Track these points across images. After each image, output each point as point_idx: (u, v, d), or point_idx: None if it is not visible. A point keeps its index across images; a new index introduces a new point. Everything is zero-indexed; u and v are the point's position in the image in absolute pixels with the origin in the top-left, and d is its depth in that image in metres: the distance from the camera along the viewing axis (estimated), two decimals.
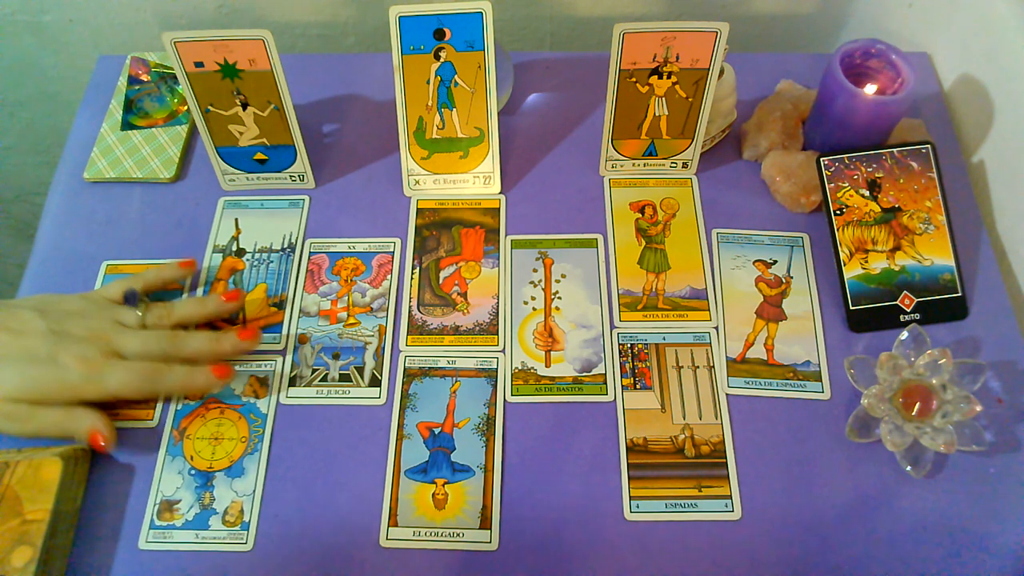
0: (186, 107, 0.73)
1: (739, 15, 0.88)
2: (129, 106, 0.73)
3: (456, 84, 0.63)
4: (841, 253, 0.62)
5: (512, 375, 0.60)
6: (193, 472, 0.56)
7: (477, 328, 0.62)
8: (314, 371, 0.60)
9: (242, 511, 0.55)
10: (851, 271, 0.62)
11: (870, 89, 0.63)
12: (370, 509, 0.55)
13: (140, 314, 0.57)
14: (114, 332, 0.56)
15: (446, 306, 0.63)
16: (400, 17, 0.60)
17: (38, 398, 0.53)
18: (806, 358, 0.61)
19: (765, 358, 0.60)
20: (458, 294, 0.64)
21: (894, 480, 0.56)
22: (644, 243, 0.66)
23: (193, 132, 0.73)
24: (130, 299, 0.59)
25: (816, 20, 0.89)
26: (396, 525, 0.54)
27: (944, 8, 0.74)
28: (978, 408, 0.54)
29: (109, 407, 0.58)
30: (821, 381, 0.59)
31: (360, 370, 0.60)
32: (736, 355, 0.61)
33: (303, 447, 0.57)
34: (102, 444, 0.54)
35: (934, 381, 0.55)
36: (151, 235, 0.67)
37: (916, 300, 0.61)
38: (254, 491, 0.56)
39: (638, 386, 0.59)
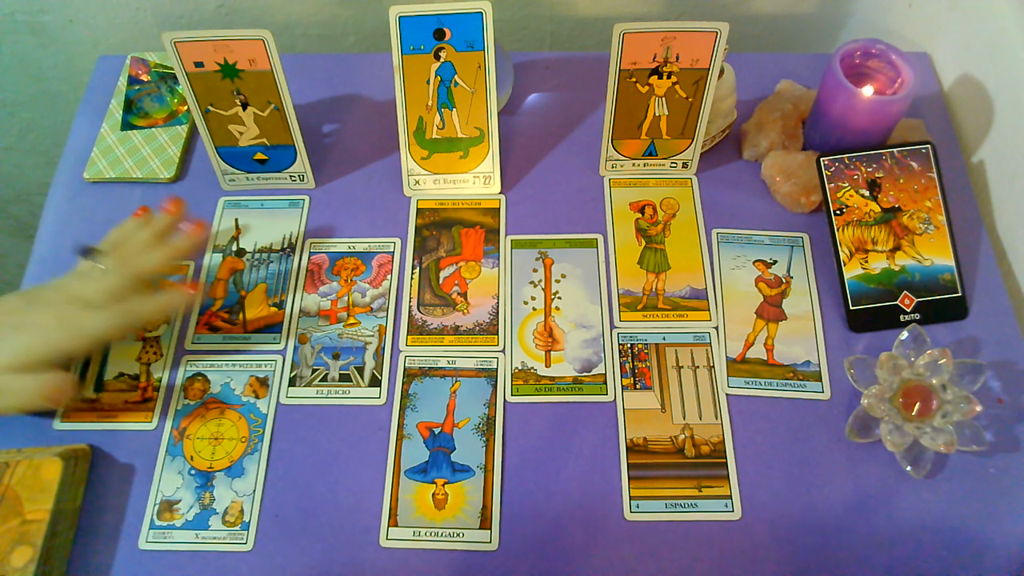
0: (186, 107, 0.73)
1: (739, 15, 0.88)
2: (129, 106, 0.73)
3: (456, 84, 0.63)
4: (841, 253, 0.62)
5: (512, 375, 0.60)
6: (193, 472, 0.56)
7: (477, 328, 0.62)
8: (314, 371, 0.60)
9: (242, 511, 0.55)
10: (851, 271, 0.62)
11: (870, 89, 0.63)
12: (370, 509, 0.55)
13: (102, 267, 0.57)
14: (79, 286, 0.56)
15: (446, 306, 0.63)
16: (400, 17, 0.60)
17: (26, 364, 0.53)
18: (806, 358, 0.61)
19: (765, 358, 0.60)
20: (458, 294, 0.64)
21: (894, 480, 0.56)
22: (644, 243, 0.66)
23: (193, 132, 0.73)
24: (84, 253, 0.58)
25: (816, 20, 0.89)
26: (396, 525, 0.54)
27: (944, 8, 0.74)
28: (978, 408, 0.54)
29: (108, 411, 0.58)
30: (821, 381, 0.59)
31: (360, 370, 0.60)
32: (736, 355, 0.61)
33: (303, 447, 0.57)
34: (55, 396, 0.53)
35: (934, 381, 0.55)
36: None
37: (916, 300, 0.61)
38: (254, 491, 0.56)
39: (638, 386, 0.59)
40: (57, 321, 0.53)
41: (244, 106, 0.64)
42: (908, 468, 0.55)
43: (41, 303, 0.54)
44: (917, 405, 0.54)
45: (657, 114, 0.65)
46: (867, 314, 0.61)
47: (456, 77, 0.63)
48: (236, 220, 0.68)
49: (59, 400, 0.54)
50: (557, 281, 0.64)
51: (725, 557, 0.53)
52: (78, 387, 0.55)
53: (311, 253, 0.66)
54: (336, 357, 0.61)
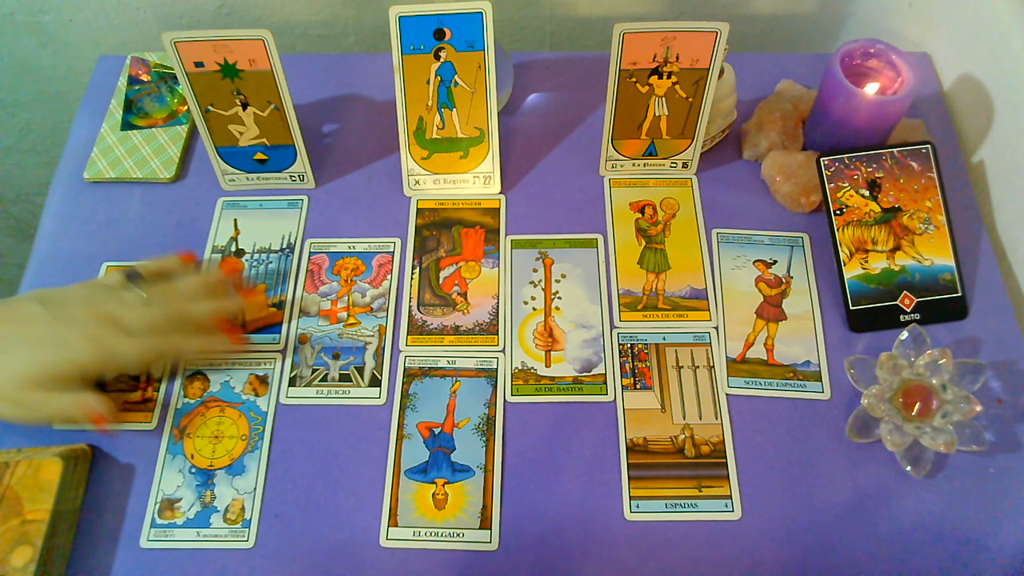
0: (186, 107, 0.73)
1: (739, 15, 0.88)
2: (129, 106, 0.73)
3: (456, 84, 0.63)
4: (841, 253, 0.62)
5: (512, 375, 0.60)
6: (194, 470, 0.56)
7: (477, 328, 0.62)
8: (314, 371, 0.60)
9: (243, 509, 0.55)
10: (851, 271, 0.62)
11: (870, 89, 0.63)
12: (370, 509, 0.55)
13: (144, 295, 0.57)
14: (118, 310, 0.56)
15: (446, 306, 0.63)
16: (400, 17, 0.60)
17: (50, 382, 0.53)
18: (806, 358, 0.61)
19: (765, 358, 0.60)
20: (458, 294, 0.64)
21: (894, 480, 0.56)
22: (644, 243, 0.66)
23: (193, 132, 0.73)
24: (133, 277, 0.59)
25: (816, 20, 0.89)
26: (396, 525, 0.54)
27: (944, 8, 0.74)
28: (978, 408, 0.54)
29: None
30: (821, 381, 0.59)
31: (360, 370, 0.60)
32: (736, 355, 0.61)
33: (303, 447, 0.57)
34: (95, 419, 0.54)
35: (934, 381, 0.55)
36: (151, 235, 0.67)
37: (916, 300, 0.61)
38: (255, 488, 0.56)
39: (638, 386, 0.59)
40: (86, 341, 0.53)
41: (244, 106, 0.64)
42: (908, 468, 0.55)
43: (69, 319, 0.54)
44: (917, 405, 0.54)
45: (657, 114, 0.65)
46: (867, 314, 0.61)
47: (456, 77, 0.63)
48: (235, 220, 0.68)
49: (98, 424, 0.54)
50: (557, 281, 0.64)
51: (725, 557, 0.53)
52: (114, 410, 0.55)
53: (311, 253, 0.66)
54: (336, 357, 0.61)
